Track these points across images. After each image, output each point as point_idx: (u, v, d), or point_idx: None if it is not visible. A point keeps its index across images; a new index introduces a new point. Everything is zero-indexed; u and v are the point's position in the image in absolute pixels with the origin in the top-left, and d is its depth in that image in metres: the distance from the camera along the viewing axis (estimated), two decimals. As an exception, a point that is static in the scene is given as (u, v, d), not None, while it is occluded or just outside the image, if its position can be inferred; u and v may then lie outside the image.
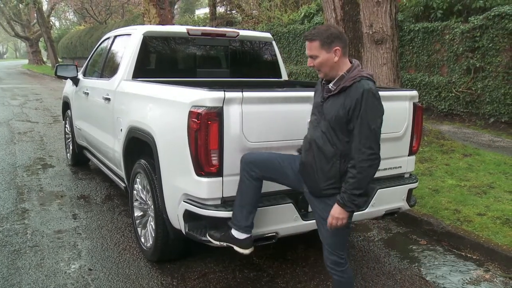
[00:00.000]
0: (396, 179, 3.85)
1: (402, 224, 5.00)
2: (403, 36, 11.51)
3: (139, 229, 4.14)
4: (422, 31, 11.06)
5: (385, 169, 3.74)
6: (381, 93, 3.52)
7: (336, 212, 2.58)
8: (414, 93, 3.83)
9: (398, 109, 3.73)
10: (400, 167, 3.87)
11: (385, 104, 3.39)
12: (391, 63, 6.80)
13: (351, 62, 2.69)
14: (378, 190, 3.61)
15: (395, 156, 3.80)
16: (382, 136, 3.57)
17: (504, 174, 6.39)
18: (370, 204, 3.57)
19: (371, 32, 6.65)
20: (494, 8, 9.61)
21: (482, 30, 9.73)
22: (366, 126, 2.50)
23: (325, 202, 2.70)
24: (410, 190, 3.87)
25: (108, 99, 4.81)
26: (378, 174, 3.70)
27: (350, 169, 2.55)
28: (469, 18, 10.15)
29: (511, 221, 4.67)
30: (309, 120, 2.89)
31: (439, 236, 4.65)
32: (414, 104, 3.81)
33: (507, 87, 9.41)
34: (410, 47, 11.53)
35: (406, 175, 3.98)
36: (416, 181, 3.96)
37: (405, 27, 11.51)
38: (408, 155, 3.90)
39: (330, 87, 2.66)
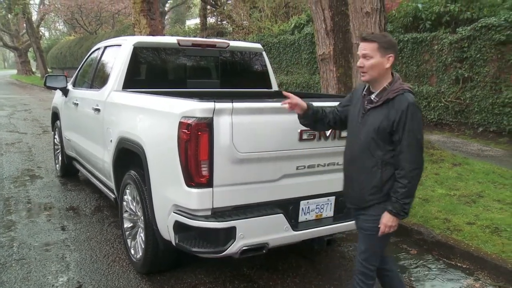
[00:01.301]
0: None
1: (392, 234, 4.98)
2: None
3: (128, 241, 4.12)
4: (411, 42, 11.19)
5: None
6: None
7: (389, 221, 2.67)
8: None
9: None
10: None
11: (374, 115, 3.43)
12: (380, 74, 6.88)
13: (392, 75, 2.75)
14: (368, 200, 3.63)
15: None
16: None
17: (493, 183, 6.46)
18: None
19: (360, 43, 6.73)
20: (481, 20, 9.78)
21: (470, 40, 9.88)
22: (413, 138, 2.58)
23: (367, 213, 2.77)
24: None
25: (98, 110, 4.80)
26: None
27: (401, 180, 2.62)
28: (457, 29, 10.31)
29: (500, 230, 4.71)
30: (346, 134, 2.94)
31: (429, 245, 4.67)
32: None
33: (495, 97, 9.54)
34: (400, 57, 11.65)
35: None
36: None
37: (394, 38, 11.65)
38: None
39: (372, 98, 2.72)
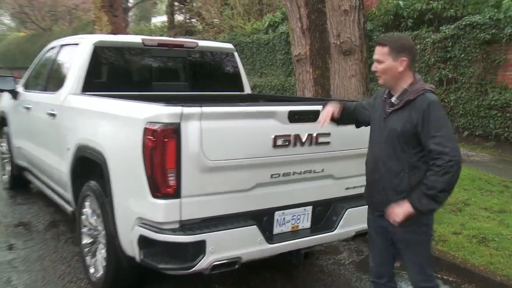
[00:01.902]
0: (367, 198, 3.95)
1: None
2: (373, 47, 11.80)
3: (88, 258, 4.08)
4: (393, 41, 11.43)
5: (354, 187, 3.83)
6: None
7: (401, 206, 2.74)
8: (383, 106, 3.96)
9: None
10: (371, 184, 3.97)
11: (353, 118, 3.51)
12: (360, 75, 6.97)
13: (413, 76, 2.87)
14: (347, 210, 3.70)
15: (364, 173, 3.89)
16: (350, 152, 3.74)
17: (479, 190, 6.64)
18: (339, 225, 3.66)
19: (338, 42, 6.82)
20: (465, 18, 10.07)
21: (454, 40, 10.17)
22: (440, 130, 2.67)
23: (403, 225, 2.81)
24: (381, 209, 3.98)
25: (54, 115, 4.75)
26: (347, 193, 3.83)
27: (428, 173, 2.68)
28: (440, 28, 10.60)
29: (488, 240, 4.85)
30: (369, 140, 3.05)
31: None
32: (384, 118, 3.94)
33: (481, 99, 9.83)
34: (381, 58, 11.88)
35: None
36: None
37: (375, 37, 11.87)
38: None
39: (393, 101, 2.86)
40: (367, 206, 3.80)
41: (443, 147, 2.64)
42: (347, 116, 3.26)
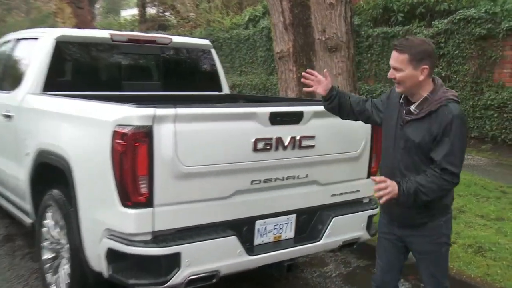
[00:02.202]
0: (354, 205, 4.01)
1: (363, 256, 5.15)
2: (360, 43, 11.98)
3: (48, 275, 4.03)
4: (382, 37, 11.58)
5: (341, 193, 3.89)
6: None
7: (392, 185, 2.78)
8: (372, 107, 4.03)
9: (354, 125, 3.88)
10: (358, 191, 4.03)
11: (339, 120, 3.58)
12: (346, 73, 7.04)
13: (433, 81, 2.88)
14: (333, 218, 3.75)
15: (352, 179, 3.96)
16: (336, 156, 3.79)
17: (475, 196, 6.74)
18: (324, 235, 3.70)
19: (323, 38, 6.89)
20: (459, 11, 10.23)
21: (447, 35, 10.32)
22: (455, 156, 2.76)
23: (419, 233, 2.95)
24: (370, 217, 4.04)
25: (9, 117, 4.70)
26: (333, 200, 3.87)
27: (430, 175, 2.77)
28: (433, 22, 10.75)
29: (485, 250, 4.92)
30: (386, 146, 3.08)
31: (405, 269, 4.81)
32: (373, 120, 4.00)
33: (476, 99, 9.99)
34: (369, 55, 12.02)
35: (365, 200, 4.14)
36: (377, 207, 4.11)
37: (363, 32, 12.00)
38: (367, 178, 4.07)
39: (412, 110, 2.86)
40: (355, 214, 3.92)
41: (456, 168, 2.77)
42: (333, 98, 3.30)
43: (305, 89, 3.50)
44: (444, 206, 2.99)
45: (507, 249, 4.95)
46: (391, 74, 2.88)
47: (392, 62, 2.85)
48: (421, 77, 2.80)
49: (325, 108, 3.40)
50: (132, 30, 22.78)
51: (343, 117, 3.44)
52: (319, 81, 3.36)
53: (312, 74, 3.41)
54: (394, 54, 2.84)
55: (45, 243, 4.09)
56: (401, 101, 2.97)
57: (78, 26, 10.11)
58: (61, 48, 4.67)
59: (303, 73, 3.47)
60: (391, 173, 2.95)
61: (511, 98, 9.43)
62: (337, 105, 3.32)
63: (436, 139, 2.77)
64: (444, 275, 3.06)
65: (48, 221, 4.00)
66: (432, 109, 2.79)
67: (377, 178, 2.84)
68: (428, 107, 2.80)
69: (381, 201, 2.81)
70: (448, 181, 2.77)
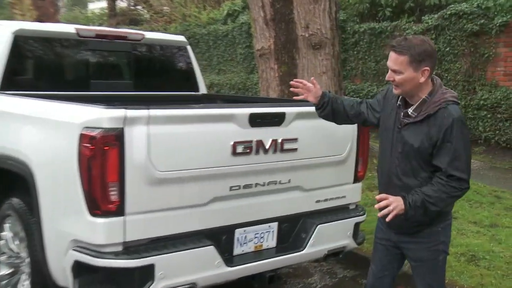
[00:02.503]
0: (340, 212, 4.05)
1: (350, 266, 5.18)
2: (346, 39, 12.07)
3: (6, 293, 3.99)
4: (369, 33, 11.67)
5: (325, 199, 3.93)
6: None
7: (397, 200, 2.81)
8: (358, 107, 4.07)
9: (339, 127, 3.91)
10: (344, 197, 4.07)
11: (324, 122, 3.61)
12: (331, 72, 7.11)
13: (432, 81, 2.91)
14: (318, 226, 3.78)
15: (337, 184, 4.00)
16: (321, 160, 3.82)
17: (468, 201, 6.81)
18: (308, 244, 3.73)
19: (307, 35, 6.95)
20: (450, 6, 10.34)
21: (438, 31, 10.44)
22: (460, 160, 2.79)
23: (416, 239, 3.00)
24: (356, 225, 4.08)
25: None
26: (317, 206, 3.90)
27: (437, 184, 2.80)
28: (423, 18, 10.86)
29: (478, 258, 4.99)
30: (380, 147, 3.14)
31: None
32: (359, 121, 4.04)
33: (468, 98, 10.10)
34: (355, 52, 12.10)
35: (352, 207, 4.18)
36: (364, 214, 4.17)
37: (348, 28, 12.08)
38: (353, 182, 4.11)
39: (410, 113, 2.90)
40: (340, 221, 3.95)
41: (463, 174, 2.80)
42: (325, 105, 3.34)
43: (295, 97, 3.56)
44: (444, 212, 3.02)
45: (501, 257, 5.02)
46: (389, 76, 2.89)
47: (390, 64, 2.87)
48: (422, 79, 2.82)
49: (319, 116, 3.44)
50: (100, 25, 22.63)
51: (338, 122, 3.48)
52: (308, 89, 3.40)
53: (300, 82, 3.46)
54: (393, 55, 2.85)
55: (2, 258, 4.02)
56: (398, 102, 3.01)
57: (39, 19, 9.96)
58: (20, 43, 4.60)
59: (291, 82, 3.52)
60: (388, 178, 3.01)
61: (505, 97, 9.56)
62: (330, 111, 3.36)
63: (436, 144, 2.80)
64: (441, 285, 3.11)
65: (6, 233, 3.93)
66: (430, 112, 2.82)
67: (378, 196, 2.88)
68: (427, 110, 2.83)
69: (387, 219, 2.83)
70: (457, 187, 2.80)
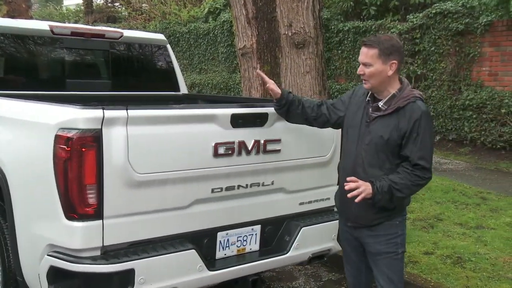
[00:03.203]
0: (324, 214, 4.06)
1: (334, 270, 5.21)
2: (330, 38, 12.14)
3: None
4: (353, 32, 11.75)
5: (310, 202, 3.94)
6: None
7: (365, 184, 3.01)
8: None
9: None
10: (328, 199, 4.07)
11: (306, 122, 3.60)
12: (315, 71, 7.12)
13: (400, 81, 3.16)
14: (302, 228, 3.79)
15: (321, 186, 4.02)
16: (304, 161, 3.83)
17: (454, 202, 6.91)
18: (292, 247, 3.74)
19: (290, 33, 6.95)
20: (435, 5, 10.48)
21: (423, 30, 10.56)
22: (426, 150, 3.04)
23: (375, 233, 3.20)
24: (341, 227, 4.09)
25: None
26: (301, 209, 3.91)
27: (403, 173, 3.04)
28: (407, 16, 10.98)
29: (464, 260, 5.05)
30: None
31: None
32: (343, 121, 4.06)
33: (454, 98, 10.22)
34: (339, 51, 12.18)
35: (336, 209, 4.19)
36: (349, 216, 4.19)
37: (332, 27, 12.15)
38: (338, 184, 4.12)
39: (380, 106, 3.12)
40: (325, 224, 3.97)
41: (427, 163, 3.05)
42: (281, 106, 3.49)
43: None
44: (401, 207, 3.26)
45: (487, 259, 5.09)
46: (360, 69, 3.13)
47: (361, 58, 3.12)
48: (390, 72, 3.06)
49: (275, 111, 3.58)
50: (76, 22, 22.51)
51: (291, 122, 3.62)
52: (271, 88, 3.56)
53: (264, 79, 3.67)
54: (363, 49, 3.11)
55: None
56: (367, 98, 3.21)
57: (10, 15, 9.84)
58: None
59: (257, 71, 3.77)
60: (353, 171, 3.16)
61: (490, 98, 9.69)
62: (285, 112, 3.52)
63: (404, 135, 3.03)
64: (400, 279, 3.27)
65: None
66: (400, 105, 3.05)
67: (349, 178, 3.06)
68: (396, 104, 3.07)
69: (356, 200, 3.01)
70: (420, 176, 3.05)
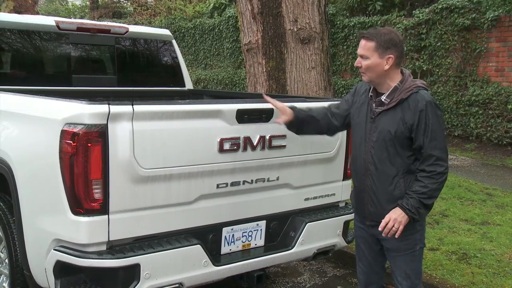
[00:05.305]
0: (329, 210, 4.07)
1: (340, 265, 5.23)
2: (336, 34, 12.11)
3: (-15, 295, 3.97)
4: (359, 27, 11.71)
5: (315, 197, 3.95)
6: (305, 104, 3.77)
7: (396, 214, 3.00)
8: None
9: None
10: (334, 194, 4.09)
11: (312, 118, 3.60)
12: (320, 67, 7.13)
13: (401, 73, 3.13)
14: (307, 224, 3.79)
15: (326, 182, 4.02)
16: (310, 157, 3.84)
17: (459, 199, 6.90)
18: (297, 242, 3.74)
19: (295, 29, 6.96)
20: (442, 0, 10.42)
21: (429, 25, 10.52)
22: (437, 139, 2.98)
23: None
24: (346, 223, 4.10)
25: None
26: (306, 204, 3.92)
27: (423, 179, 2.99)
28: (413, 12, 10.94)
29: (469, 256, 5.05)
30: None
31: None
32: (348, 117, 4.06)
33: (460, 94, 10.19)
34: (344, 47, 12.15)
35: (341, 204, 4.21)
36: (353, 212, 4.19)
37: (338, 22, 12.12)
38: (343, 180, 4.13)
39: (383, 100, 3.09)
40: (330, 220, 3.98)
41: (442, 152, 2.99)
42: (293, 126, 3.42)
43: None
44: None
45: (492, 255, 5.08)
46: (357, 62, 3.11)
47: (359, 50, 3.10)
48: (386, 67, 3.03)
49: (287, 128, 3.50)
50: (82, 18, 22.54)
51: (303, 135, 3.60)
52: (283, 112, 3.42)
53: (272, 103, 3.48)
54: (362, 42, 3.09)
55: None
56: (370, 93, 3.18)
57: (16, 10, 9.86)
58: None
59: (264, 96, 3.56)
60: (364, 168, 3.14)
61: (497, 93, 9.66)
62: (298, 129, 3.47)
63: (412, 128, 2.98)
64: (418, 276, 3.25)
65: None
66: (403, 97, 3.02)
67: (381, 227, 3.02)
68: (399, 96, 3.03)
69: (397, 235, 3.01)
70: (439, 172, 2.97)
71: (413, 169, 3.06)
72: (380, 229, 3.03)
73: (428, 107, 2.96)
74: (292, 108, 3.38)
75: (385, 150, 3.06)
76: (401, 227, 2.99)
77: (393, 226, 2.99)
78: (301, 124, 3.40)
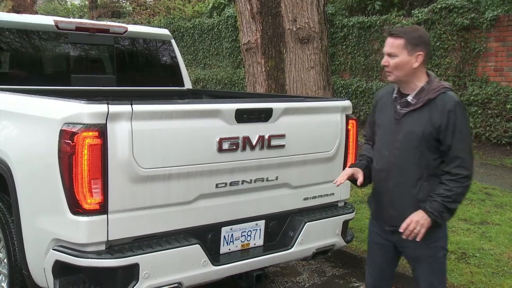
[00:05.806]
0: (328, 209, 4.07)
1: (339, 265, 5.23)
2: (335, 33, 12.11)
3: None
4: (358, 27, 11.72)
5: (314, 197, 3.94)
6: (305, 104, 3.76)
7: (419, 216, 2.90)
8: (347, 103, 4.08)
9: (327, 123, 3.95)
10: (333, 194, 4.09)
11: (312, 118, 3.62)
12: (319, 67, 7.14)
13: (427, 74, 3.05)
14: (306, 224, 3.79)
15: (326, 181, 4.00)
16: (309, 157, 3.84)
17: (458, 199, 6.90)
18: (296, 242, 3.74)
19: (294, 29, 6.97)
20: (441, 0, 10.43)
21: (428, 25, 10.53)
22: (465, 141, 2.92)
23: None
24: (345, 223, 4.10)
25: None
26: (305, 204, 3.92)
27: (448, 182, 2.90)
28: (413, 11, 10.95)
29: (468, 256, 5.06)
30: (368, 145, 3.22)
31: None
32: (347, 117, 4.06)
33: (459, 94, 10.19)
34: (344, 47, 12.14)
35: (340, 204, 4.21)
36: (353, 211, 4.19)
37: (337, 22, 12.12)
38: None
39: (409, 100, 3.00)
40: (329, 219, 3.97)
41: (468, 156, 2.93)
42: (369, 170, 3.29)
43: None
44: None
45: (491, 255, 5.09)
46: (385, 60, 3.01)
47: (386, 48, 3.00)
48: (416, 64, 2.95)
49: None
50: (81, 17, 22.54)
51: None
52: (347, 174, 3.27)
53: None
54: (389, 40, 3.00)
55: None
56: (394, 95, 3.09)
57: (15, 10, 9.87)
58: None
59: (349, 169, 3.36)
60: (388, 174, 3.06)
61: (496, 93, 9.67)
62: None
63: (440, 129, 2.89)
64: (441, 282, 3.16)
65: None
66: (431, 97, 2.93)
67: (401, 228, 2.94)
68: (427, 96, 2.94)
69: (418, 238, 2.92)
70: (465, 175, 2.89)
71: (438, 172, 2.96)
72: (401, 230, 2.94)
73: (457, 108, 2.88)
74: (357, 166, 3.27)
75: (410, 151, 2.98)
76: (423, 230, 2.89)
77: (415, 228, 2.90)
78: (370, 171, 3.27)
